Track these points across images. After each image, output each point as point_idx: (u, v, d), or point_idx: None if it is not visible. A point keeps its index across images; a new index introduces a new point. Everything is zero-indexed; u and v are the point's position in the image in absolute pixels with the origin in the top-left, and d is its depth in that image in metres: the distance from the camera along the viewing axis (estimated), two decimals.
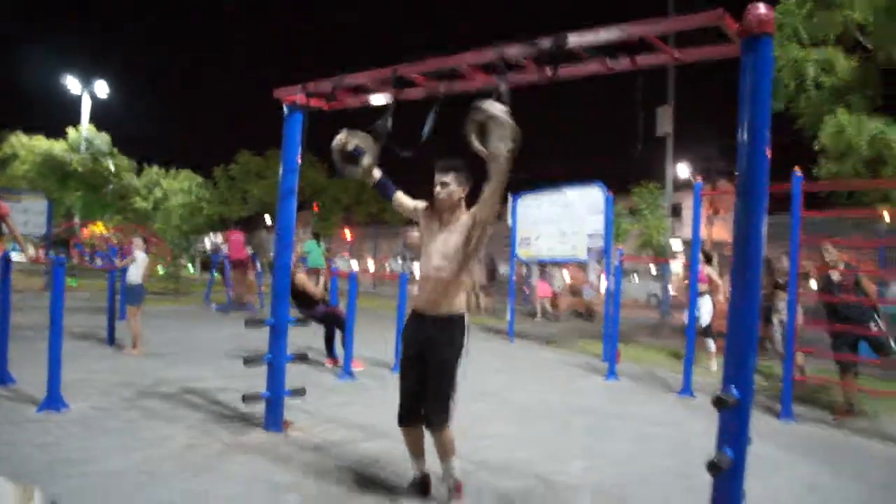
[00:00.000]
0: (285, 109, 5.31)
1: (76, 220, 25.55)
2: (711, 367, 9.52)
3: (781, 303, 8.69)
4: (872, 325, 7.09)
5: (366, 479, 4.36)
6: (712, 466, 3.07)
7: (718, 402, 3.09)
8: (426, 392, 3.78)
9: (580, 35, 3.70)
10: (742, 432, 3.18)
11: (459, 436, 5.42)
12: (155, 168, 27.94)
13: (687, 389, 7.68)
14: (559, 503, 4.13)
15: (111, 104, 47.40)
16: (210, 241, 34.22)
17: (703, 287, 9.67)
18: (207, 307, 15.06)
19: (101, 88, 26.75)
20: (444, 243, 3.75)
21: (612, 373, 8.69)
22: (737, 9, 3.25)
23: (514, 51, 3.95)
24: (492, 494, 4.20)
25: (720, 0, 3.47)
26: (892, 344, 7.44)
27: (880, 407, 7.22)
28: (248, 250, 17.33)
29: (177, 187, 26.79)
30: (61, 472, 4.10)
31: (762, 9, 3.12)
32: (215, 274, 16.88)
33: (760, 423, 6.26)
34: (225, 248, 16.27)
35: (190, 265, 26.21)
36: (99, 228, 23.63)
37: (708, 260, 9.36)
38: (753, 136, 3.15)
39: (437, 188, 3.75)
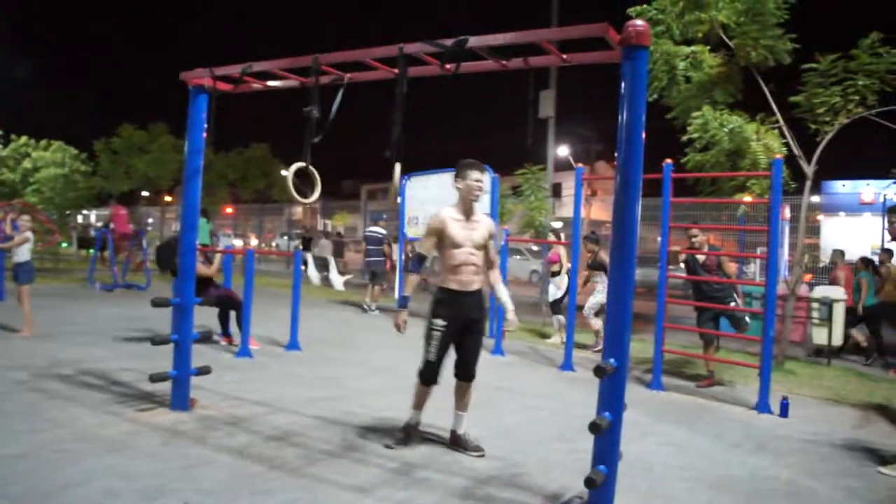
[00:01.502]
0: (191, 92, 5.38)
1: None
2: (554, 340, 10.35)
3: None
4: (731, 302, 7.88)
5: (276, 452, 4.59)
6: (594, 427, 3.52)
7: (599, 371, 3.54)
8: (470, 352, 4.85)
9: (480, 38, 4.04)
10: (619, 397, 3.66)
11: (360, 409, 5.75)
12: (24, 138, 26.37)
13: (567, 364, 8.24)
14: (459, 468, 4.50)
15: None
16: (97, 215, 32.66)
17: (555, 267, 10.54)
18: (91, 287, 14.58)
19: None
20: (473, 236, 4.69)
21: (497, 349, 9.17)
22: (620, 19, 3.68)
23: (415, 47, 4.25)
24: (396, 461, 4.53)
25: (594, 11, 3.90)
26: (747, 319, 8.30)
27: (736, 376, 8.04)
28: (132, 226, 16.86)
29: (49, 158, 25.41)
30: None
31: (639, 24, 3.57)
32: (98, 252, 16.29)
33: (633, 393, 6.89)
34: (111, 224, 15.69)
35: (66, 242, 25.03)
36: None
37: (596, 242, 9.95)
38: (630, 132, 3.60)
39: (478, 185, 4.68)
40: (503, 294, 4.98)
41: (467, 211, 4.72)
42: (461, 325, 4.73)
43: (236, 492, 3.84)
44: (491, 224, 4.87)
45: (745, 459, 5.04)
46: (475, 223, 4.74)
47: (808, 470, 4.85)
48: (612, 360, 3.59)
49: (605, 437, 3.63)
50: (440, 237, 4.68)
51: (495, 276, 4.99)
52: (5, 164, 25.05)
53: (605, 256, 9.81)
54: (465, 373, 4.87)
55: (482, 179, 4.73)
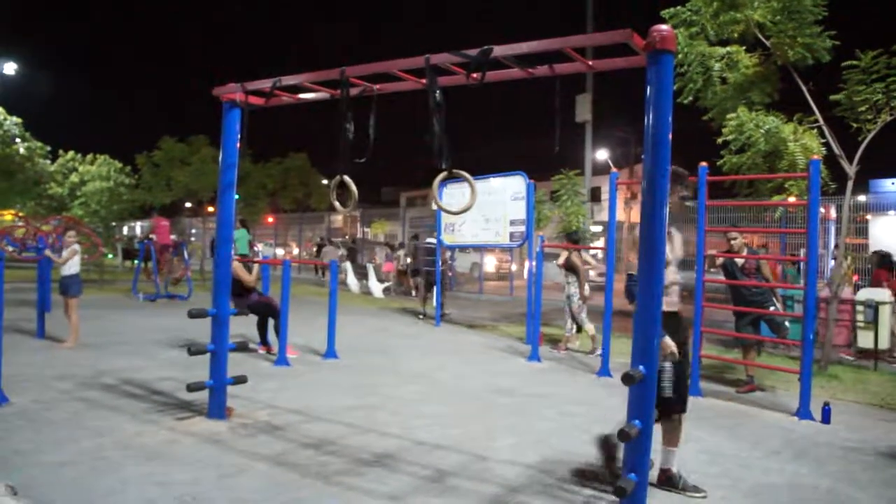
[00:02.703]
0: (224, 106, 5.48)
1: None
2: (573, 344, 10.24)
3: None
4: (771, 306, 7.75)
5: (311, 460, 4.64)
6: (622, 435, 3.49)
7: (627, 379, 3.51)
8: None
9: (505, 48, 4.05)
10: (649, 405, 3.62)
11: (394, 417, 5.78)
12: (70, 153, 27.06)
13: (605, 370, 8.18)
14: (492, 476, 4.49)
15: (23, 87, 45.44)
16: (141, 227, 33.36)
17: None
18: (134, 297, 14.90)
19: (10, 68, 25.83)
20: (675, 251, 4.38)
21: (534, 355, 9.15)
22: (646, 24, 3.67)
23: (441, 58, 4.28)
24: (429, 468, 4.54)
25: (632, 15, 3.88)
26: (787, 324, 8.15)
27: (778, 381, 7.88)
28: (174, 237, 17.19)
29: (94, 172, 26.03)
30: (14, 464, 4.24)
31: (664, 28, 3.55)
32: (142, 262, 16.64)
33: None
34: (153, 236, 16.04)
35: (111, 254, 25.61)
36: (8, 217, 22.80)
37: (575, 242, 10.10)
38: (657, 136, 3.58)
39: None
40: None
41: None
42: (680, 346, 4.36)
43: (270, 500, 3.89)
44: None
45: (784, 467, 4.94)
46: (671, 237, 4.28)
47: (851, 478, 4.73)
48: (640, 368, 3.56)
49: (635, 445, 3.59)
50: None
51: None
52: (53, 179, 25.74)
53: (576, 259, 9.78)
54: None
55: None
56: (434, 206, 13.72)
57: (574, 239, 10.67)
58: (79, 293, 8.78)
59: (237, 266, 8.65)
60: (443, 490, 4.17)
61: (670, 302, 4.27)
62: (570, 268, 9.80)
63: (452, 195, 12.96)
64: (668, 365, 4.19)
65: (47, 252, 9.65)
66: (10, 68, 26.03)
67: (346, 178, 4.65)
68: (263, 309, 8.71)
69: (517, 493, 4.16)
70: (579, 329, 10.00)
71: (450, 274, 14.53)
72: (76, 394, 6.13)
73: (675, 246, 4.37)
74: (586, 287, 9.88)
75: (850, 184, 9.02)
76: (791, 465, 5.01)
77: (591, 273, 10.38)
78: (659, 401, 4.01)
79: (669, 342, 4.11)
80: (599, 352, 9.02)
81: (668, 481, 4.35)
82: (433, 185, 4.39)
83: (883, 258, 11.03)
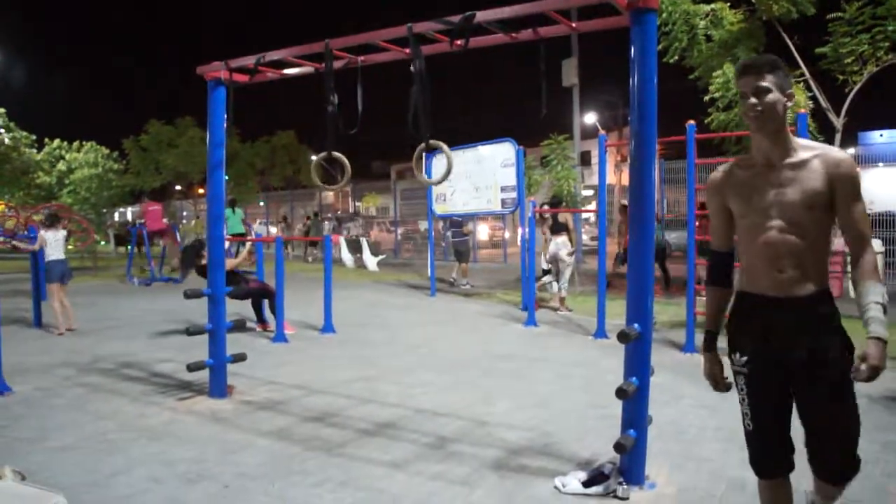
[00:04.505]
0: (209, 85, 5.45)
1: None
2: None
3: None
4: None
5: (312, 433, 4.69)
6: (620, 392, 3.55)
7: (623, 337, 3.56)
8: (816, 419, 2.57)
9: (487, 13, 4.04)
10: (645, 362, 3.68)
11: (393, 387, 5.84)
12: (56, 141, 26.89)
13: (601, 332, 8.25)
14: (492, 440, 4.55)
15: (3, 77, 44.98)
16: (132, 213, 33.30)
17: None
18: (129, 282, 14.90)
19: None
20: (786, 194, 2.44)
21: (531, 320, 9.21)
22: None
23: (424, 26, 4.26)
24: (430, 436, 4.60)
25: None
26: None
27: None
28: (166, 220, 17.16)
29: (82, 159, 25.90)
30: (21, 451, 4.28)
31: None
32: (134, 248, 16.62)
33: (667, 357, 6.91)
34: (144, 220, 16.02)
35: (103, 240, 25.55)
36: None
37: (624, 209, 10.17)
38: (642, 96, 3.59)
39: (751, 101, 2.43)
40: (870, 307, 2.38)
41: (767, 148, 2.50)
42: (781, 364, 2.55)
43: (274, 473, 3.94)
44: (838, 161, 2.43)
45: None
46: (789, 170, 2.46)
47: None
48: (636, 326, 3.60)
49: (633, 402, 3.65)
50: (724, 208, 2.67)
51: (862, 269, 2.45)
52: (41, 168, 25.60)
53: (568, 218, 10.65)
54: (816, 462, 2.61)
55: (759, 85, 2.41)
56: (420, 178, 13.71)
57: (555, 203, 11.41)
58: (54, 280, 8.74)
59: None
60: (445, 456, 4.23)
61: (758, 278, 2.58)
62: (559, 228, 10.04)
63: (442, 165, 12.94)
64: (740, 377, 2.78)
65: (14, 242, 9.68)
66: None
67: (337, 153, 4.64)
68: (258, 293, 8.71)
69: (518, 456, 4.22)
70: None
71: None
72: (77, 380, 6.16)
73: (796, 180, 2.47)
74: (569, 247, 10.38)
75: (838, 136, 9.06)
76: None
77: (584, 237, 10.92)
78: None
79: (710, 362, 2.90)
80: (563, 311, 9.92)
81: None
82: (413, 157, 4.39)
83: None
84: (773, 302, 2.51)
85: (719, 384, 2.85)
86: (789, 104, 2.48)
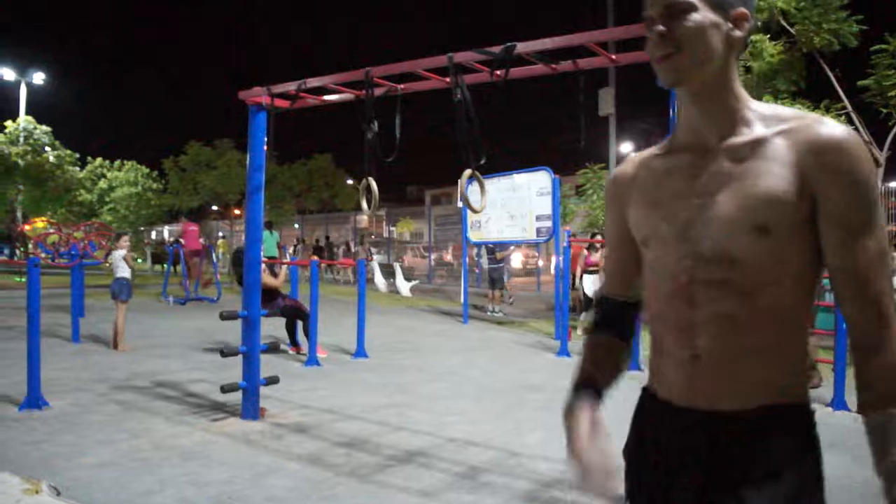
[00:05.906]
0: (250, 110, 5.54)
1: (18, 215, 25.08)
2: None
3: None
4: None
5: (343, 459, 4.68)
6: None
7: None
8: None
9: (528, 44, 4.06)
10: None
11: (425, 415, 5.82)
12: (98, 160, 27.53)
13: (634, 364, 8.14)
14: (524, 471, 4.50)
15: (50, 97, 46.31)
16: (169, 231, 33.89)
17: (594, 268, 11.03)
18: (164, 301, 15.09)
19: (38, 78, 26.32)
20: (718, 206, 1.31)
21: (563, 350, 9.13)
22: None
23: (465, 56, 4.29)
24: (462, 465, 4.57)
25: None
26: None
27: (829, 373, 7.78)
28: (202, 241, 17.40)
29: (122, 178, 26.48)
30: (57, 466, 4.33)
31: None
32: (171, 267, 16.86)
33: None
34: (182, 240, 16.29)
35: (140, 258, 25.97)
36: (40, 224, 23.23)
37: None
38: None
39: (658, 28, 1.31)
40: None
41: (695, 119, 1.37)
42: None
43: (304, 498, 3.94)
44: (824, 140, 1.22)
45: None
46: (730, 158, 1.31)
47: None
48: None
49: None
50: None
51: (881, 381, 1.28)
52: (83, 186, 26.21)
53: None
54: None
55: (663, 4, 1.30)
56: (460, 204, 13.79)
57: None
58: (127, 298, 8.89)
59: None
60: (475, 486, 4.19)
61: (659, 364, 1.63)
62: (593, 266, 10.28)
63: (477, 192, 12.98)
64: None
65: (96, 254, 9.86)
66: (39, 78, 26.52)
67: (369, 179, 4.66)
68: (292, 312, 8.78)
69: (550, 488, 4.16)
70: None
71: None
72: (112, 396, 6.24)
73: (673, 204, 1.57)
74: None
75: (880, 171, 8.91)
76: (825, 455, 4.90)
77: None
78: None
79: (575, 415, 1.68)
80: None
81: None
82: (460, 182, 4.40)
83: None
84: (680, 418, 1.40)
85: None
86: (737, 35, 1.33)
